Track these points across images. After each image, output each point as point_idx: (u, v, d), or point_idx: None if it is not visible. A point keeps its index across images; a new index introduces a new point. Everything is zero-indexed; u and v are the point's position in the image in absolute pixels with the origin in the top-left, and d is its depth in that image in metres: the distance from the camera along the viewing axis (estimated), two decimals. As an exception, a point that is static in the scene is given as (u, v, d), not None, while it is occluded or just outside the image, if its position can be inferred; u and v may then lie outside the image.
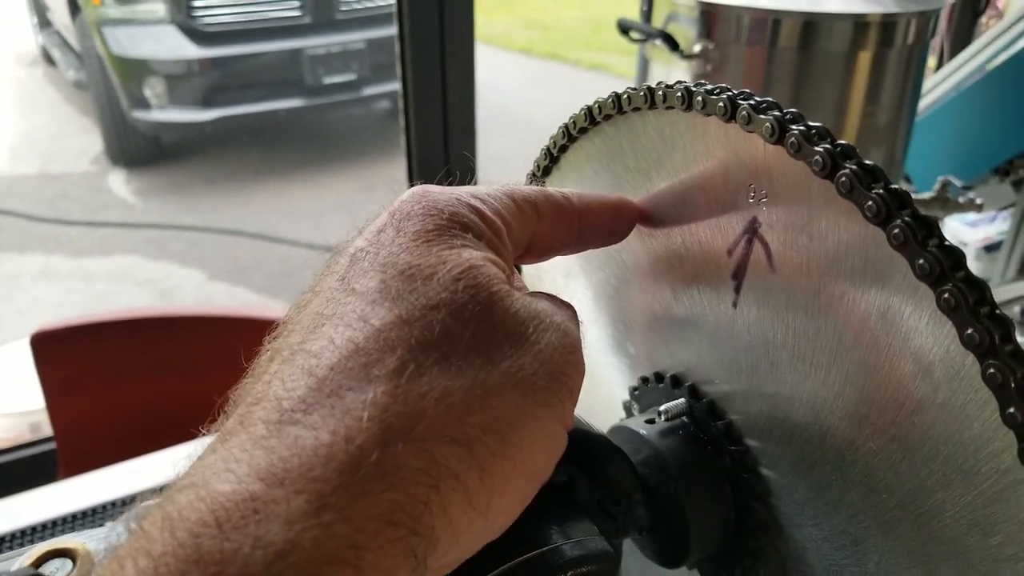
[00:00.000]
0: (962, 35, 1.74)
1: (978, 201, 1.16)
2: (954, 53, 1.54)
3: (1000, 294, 1.23)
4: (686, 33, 0.98)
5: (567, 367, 0.24)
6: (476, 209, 0.26)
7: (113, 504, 0.83)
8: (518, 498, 0.24)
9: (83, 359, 1.22)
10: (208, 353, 1.20)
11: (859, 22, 0.91)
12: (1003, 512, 0.24)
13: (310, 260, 3.02)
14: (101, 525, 0.80)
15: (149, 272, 2.97)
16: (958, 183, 1.23)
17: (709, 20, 0.95)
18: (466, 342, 0.22)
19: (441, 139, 1.42)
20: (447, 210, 0.25)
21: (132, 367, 1.23)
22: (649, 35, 1.03)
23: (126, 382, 1.24)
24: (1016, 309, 1.16)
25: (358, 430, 0.19)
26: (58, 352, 1.19)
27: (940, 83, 1.42)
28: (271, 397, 0.20)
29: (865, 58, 0.95)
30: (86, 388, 1.22)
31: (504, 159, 3.32)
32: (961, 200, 1.17)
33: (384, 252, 0.24)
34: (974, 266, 1.33)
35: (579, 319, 0.28)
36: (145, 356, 1.23)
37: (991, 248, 1.42)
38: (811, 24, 0.91)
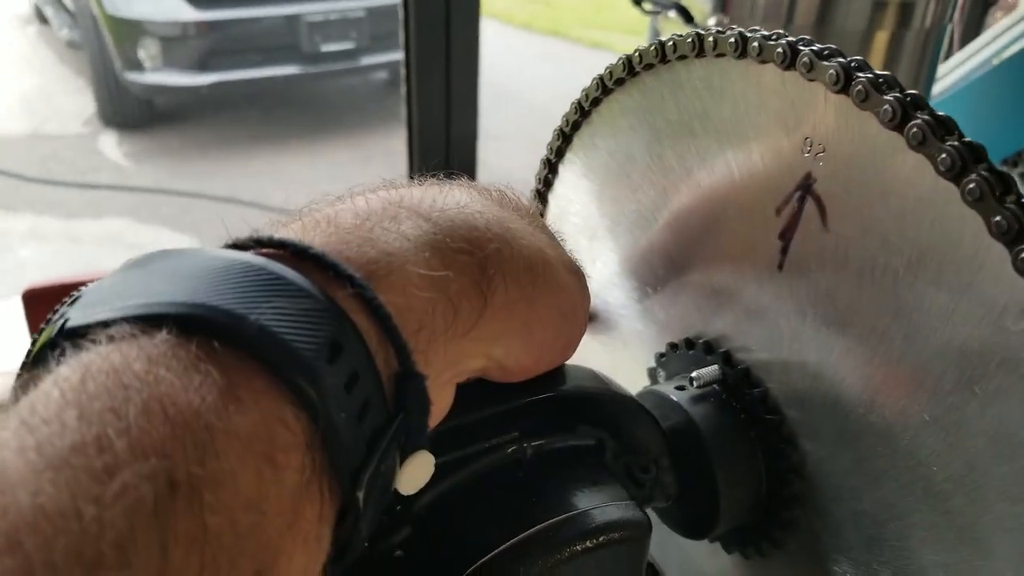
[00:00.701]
0: (972, 26, 1.73)
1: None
2: (964, 43, 1.53)
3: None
4: (700, 6, 0.96)
5: (582, 277, 0.29)
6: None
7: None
8: (551, 321, 0.27)
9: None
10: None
11: (877, 1, 0.90)
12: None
13: (303, 230, 2.99)
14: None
15: (139, 236, 2.93)
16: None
17: (725, -8, 0.93)
18: (509, 208, 0.27)
19: (443, 111, 1.40)
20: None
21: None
22: (663, 6, 1.01)
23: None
24: None
25: (440, 199, 0.24)
26: (50, 310, 1.17)
27: (949, 73, 1.40)
28: (368, 194, 0.24)
29: (882, 38, 0.93)
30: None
31: (502, 136, 3.29)
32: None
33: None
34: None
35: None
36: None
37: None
38: (828, 1, 0.90)
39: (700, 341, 0.35)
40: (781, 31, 0.28)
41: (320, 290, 0.19)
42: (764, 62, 0.28)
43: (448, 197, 0.25)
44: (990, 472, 0.25)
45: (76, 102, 3.87)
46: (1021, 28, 1.36)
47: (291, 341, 0.18)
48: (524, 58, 4.88)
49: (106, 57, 3.58)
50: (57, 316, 0.19)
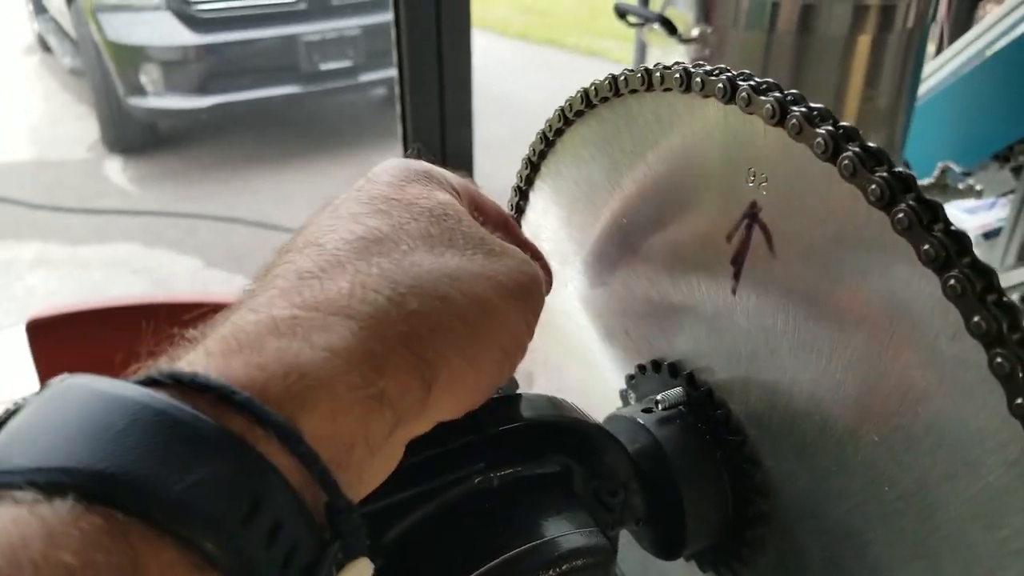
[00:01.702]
0: (962, 20, 1.73)
1: (977, 187, 1.16)
2: (953, 38, 1.53)
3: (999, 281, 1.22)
4: (684, 17, 0.97)
5: (529, 284, 0.27)
6: (444, 173, 0.30)
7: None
8: (496, 365, 0.26)
9: (79, 346, 1.21)
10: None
11: (858, 5, 0.90)
12: (1010, 505, 0.23)
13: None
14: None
15: (145, 260, 2.96)
16: (957, 169, 1.22)
17: (707, 4, 0.94)
18: (445, 241, 0.26)
19: (438, 125, 1.41)
20: (418, 167, 0.29)
21: (128, 354, 1.23)
22: (647, 19, 1.02)
23: (122, 370, 1.23)
24: (1016, 296, 1.15)
25: (369, 280, 0.23)
26: (54, 339, 1.19)
27: (939, 68, 1.41)
28: (287, 272, 0.23)
29: (864, 42, 0.94)
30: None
31: (499, 145, 3.31)
32: (960, 186, 1.16)
33: (365, 193, 0.27)
34: (974, 253, 1.31)
35: (549, 274, 0.31)
36: (140, 343, 1.22)
37: (990, 235, 1.42)
38: (810, 8, 0.90)
39: (665, 363, 0.36)
40: (724, 67, 0.29)
41: (241, 442, 0.18)
42: (707, 96, 0.29)
43: (377, 273, 0.23)
44: (938, 490, 0.26)
45: (80, 128, 3.91)
46: (1012, 20, 1.36)
47: (204, 508, 0.17)
48: (520, 68, 4.91)
49: (108, 83, 3.62)
50: None
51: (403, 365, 0.22)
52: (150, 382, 0.19)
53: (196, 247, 3.05)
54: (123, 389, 0.19)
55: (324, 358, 0.20)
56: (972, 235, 1.32)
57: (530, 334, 0.28)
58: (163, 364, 0.21)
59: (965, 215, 1.45)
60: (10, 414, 0.19)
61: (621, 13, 1.05)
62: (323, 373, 0.20)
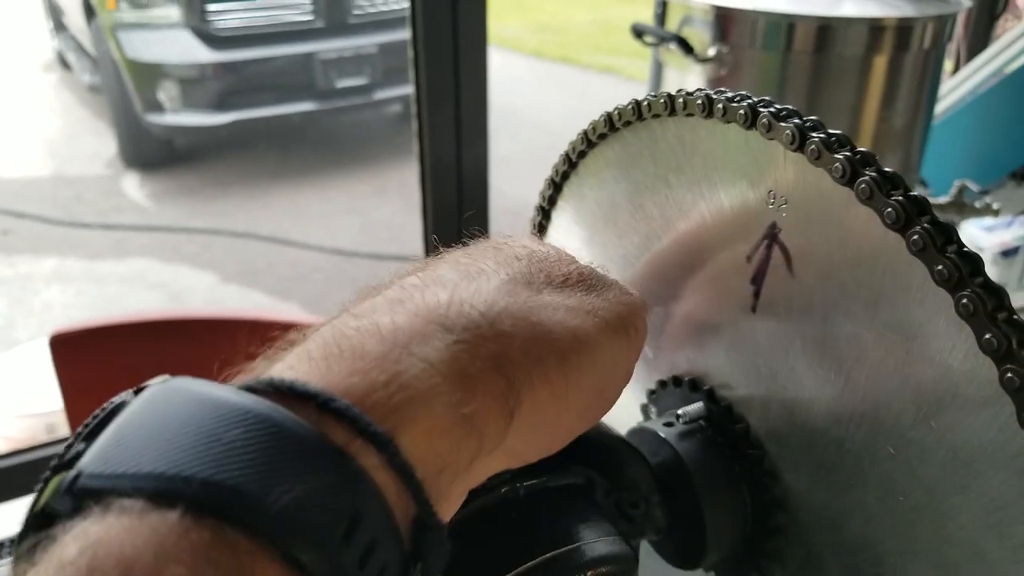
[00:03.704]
0: (979, 38, 1.73)
1: (995, 206, 1.16)
2: (971, 56, 1.54)
3: (1017, 300, 1.22)
4: (700, 37, 0.98)
5: (631, 316, 0.27)
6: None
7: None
8: (584, 404, 0.26)
9: (101, 360, 1.23)
10: (221, 355, 1.21)
11: (875, 26, 0.91)
12: (1021, 514, 0.24)
13: (321, 263, 3.03)
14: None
15: (161, 275, 2.99)
16: (974, 187, 1.22)
17: (724, 24, 0.95)
18: (544, 279, 0.26)
19: (454, 142, 1.43)
20: (512, 236, 0.30)
21: (148, 369, 1.24)
22: (663, 39, 1.03)
23: (140, 383, 1.25)
24: (1030, 315, 1.15)
25: (466, 295, 0.23)
26: (77, 353, 1.21)
27: (957, 87, 1.41)
28: (393, 286, 0.24)
29: (881, 62, 0.94)
30: (103, 389, 1.22)
31: (515, 162, 3.33)
32: (978, 205, 1.17)
33: (465, 248, 0.28)
34: (990, 271, 1.30)
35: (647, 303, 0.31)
36: (161, 358, 1.24)
37: (1008, 253, 1.42)
38: (826, 28, 0.91)
39: (686, 379, 0.37)
40: (745, 93, 0.30)
41: (342, 453, 0.18)
42: (728, 122, 0.30)
43: (474, 291, 0.24)
44: (950, 501, 0.27)
45: (98, 144, 3.96)
46: (1029, 37, 1.36)
47: (309, 523, 0.17)
48: (535, 85, 4.94)
49: (127, 100, 3.67)
50: (67, 457, 0.18)
51: (491, 389, 0.22)
52: (251, 388, 0.19)
53: (212, 262, 3.08)
54: (228, 394, 0.18)
55: (422, 369, 0.20)
56: (990, 253, 1.33)
57: (627, 375, 0.28)
58: (262, 369, 0.21)
59: (983, 233, 1.45)
60: (110, 413, 0.19)
61: (638, 33, 1.07)
62: (422, 386, 0.20)
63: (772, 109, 0.29)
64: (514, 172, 3.15)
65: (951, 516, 0.27)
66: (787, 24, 0.91)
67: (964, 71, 1.42)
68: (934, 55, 0.98)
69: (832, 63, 0.94)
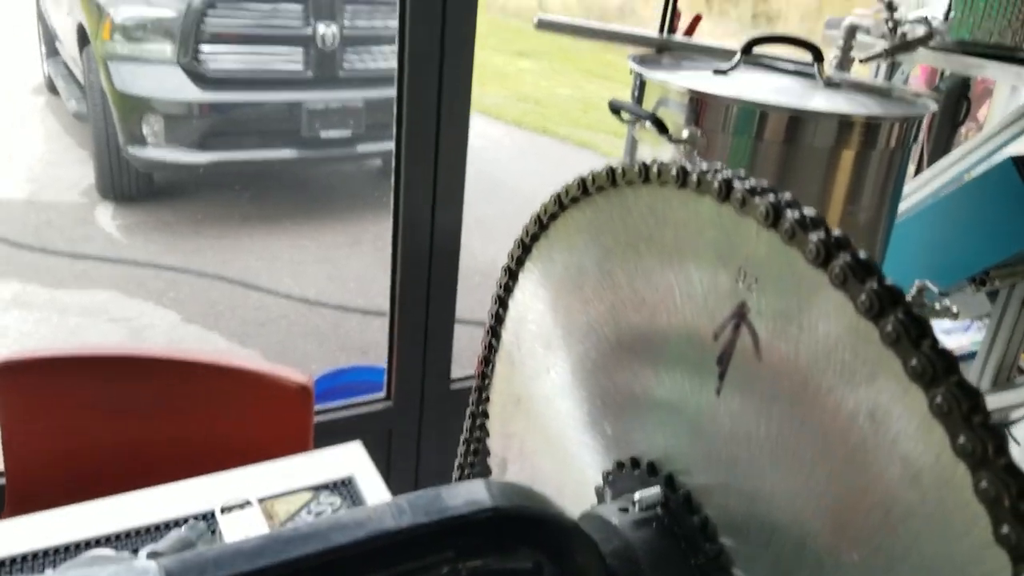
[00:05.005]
0: (941, 143, 1.79)
1: (954, 309, 1.16)
2: (933, 160, 1.58)
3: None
4: (675, 118, 1.00)
5: None
6: None
7: (55, 551, 0.79)
8: None
9: (45, 392, 1.18)
10: (172, 396, 1.17)
11: (844, 121, 0.93)
12: (993, 639, 0.22)
13: (287, 310, 2.99)
14: (40, 572, 0.76)
15: (124, 309, 2.92)
16: (935, 288, 1.23)
17: (698, 108, 0.96)
18: None
19: (430, 199, 1.42)
20: None
21: (94, 405, 1.19)
22: (639, 116, 1.04)
23: (86, 420, 1.20)
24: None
25: None
26: (20, 383, 1.16)
27: (919, 188, 1.44)
28: None
29: (848, 156, 0.96)
30: (45, 422, 1.17)
31: (488, 224, 3.34)
32: (937, 307, 1.17)
33: None
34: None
35: None
36: (108, 395, 1.19)
37: (963, 358, 1.42)
38: (797, 119, 0.93)
39: (645, 461, 0.35)
40: (719, 165, 0.29)
41: None
42: (702, 194, 0.29)
43: None
44: (916, 616, 0.25)
45: (77, 172, 3.92)
46: (990, 147, 1.40)
47: None
48: (513, 151, 5.01)
49: (110, 130, 3.65)
50: None
51: None
52: None
53: (176, 301, 3.02)
54: None
55: None
56: (950, 354, 1.33)
57: None
58: None
59: (941, 336, 1.46)
60: None
61: (615, 109, 1.08)
62: None
63: (747, 184, 0.28)
64: (487, 234, 3.16)
65: (916, 631, 0.25)
66: (760, 113, 0.92)
67: (926, 173, 1.45)
68: (899, 154, 1.00)
69: (801, 153, 0.96)
